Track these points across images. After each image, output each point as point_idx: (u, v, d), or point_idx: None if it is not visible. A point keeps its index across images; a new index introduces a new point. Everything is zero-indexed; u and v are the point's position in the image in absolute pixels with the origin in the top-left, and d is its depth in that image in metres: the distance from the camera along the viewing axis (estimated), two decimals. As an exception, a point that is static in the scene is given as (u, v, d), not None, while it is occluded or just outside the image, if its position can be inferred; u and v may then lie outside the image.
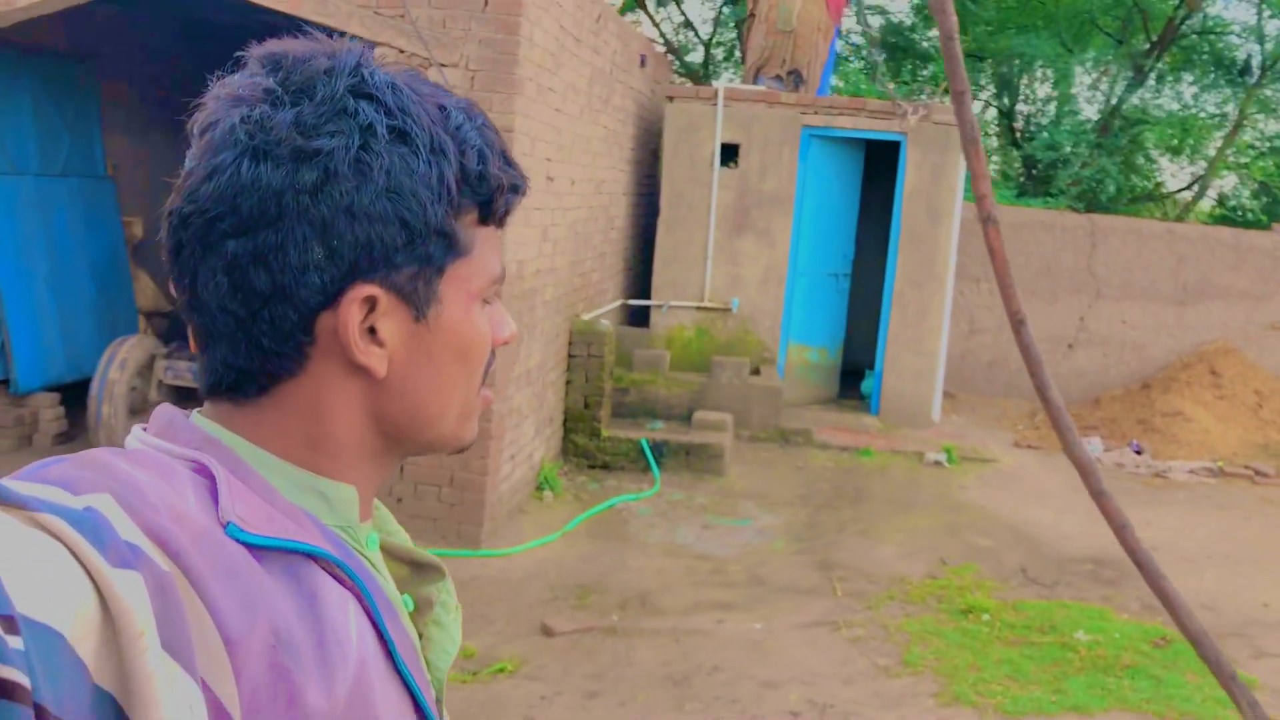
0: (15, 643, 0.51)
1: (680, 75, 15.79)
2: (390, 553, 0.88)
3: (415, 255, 0.77)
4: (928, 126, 9.29)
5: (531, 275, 6.52)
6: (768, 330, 9.62)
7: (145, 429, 0.78)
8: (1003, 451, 9.51)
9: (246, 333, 0.75)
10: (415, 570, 0.90)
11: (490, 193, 0.80)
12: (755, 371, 9.42)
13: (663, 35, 16.58)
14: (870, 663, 5.16)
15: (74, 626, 0.56)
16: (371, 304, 0.76)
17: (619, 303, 9.51)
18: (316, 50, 0.78)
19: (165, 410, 0.79)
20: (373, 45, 0.77)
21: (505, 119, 5.78)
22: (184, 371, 7.22)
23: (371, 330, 0.77)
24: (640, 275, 9.87)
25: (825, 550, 6.71)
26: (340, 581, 0.75)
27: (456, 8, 5.71)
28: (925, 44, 16.79)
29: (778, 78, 9.87)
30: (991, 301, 11.93)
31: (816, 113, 9.35)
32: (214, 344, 0.77)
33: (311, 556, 0.73)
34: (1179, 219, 16.18)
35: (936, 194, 9.37)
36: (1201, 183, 18.00)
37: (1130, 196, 16.39)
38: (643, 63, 9.51)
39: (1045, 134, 15.58)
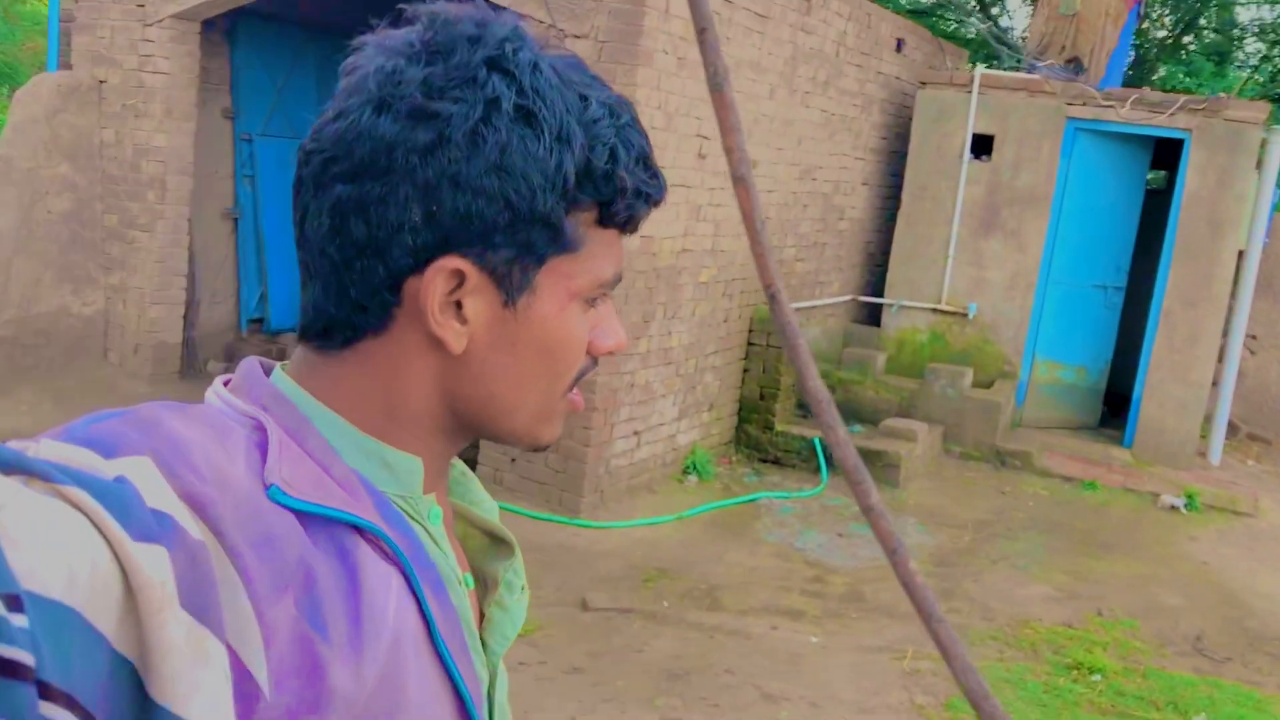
0: (19, 620, 0.52)
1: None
2: (468, 519, 0.90)
3: (515, 239, 0.75)
4: (1216, 124, 8.03)
5: (673, 254, 6.41)
6: (1010, 341, 8.77)
7: (226, 381, 0.79)
8: (1282, 508, 8.05)
9: (339, 278, 0.76)
10: (493, 543, 0.91)
11: (614, 194, 0.77)
12: (987, 385, 8.64)
13: (991, 23, 15.46)
14: (908, 698, 4.63)
15: (90, 599, 0.56)
16: (460, 278, 0.75)
17: (847, 298, 9.08)
18: (470, 16, 0.77)
19: (246, 363, 0.80)
20: (520, 20, 0.78)
21: (628, 90, 5.73)
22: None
23: (459, 306, 0.76)
24: (882, 271, 9.34)
25: (961, 579, 6.06)
26: (385, 555, 0.74)
27: (591, -22, 5.74)
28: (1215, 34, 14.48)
29: (1054, 65, 8.94)
30: (1332, 336, 10.10)
31: (1084, 103, 8.37)
32: (311, 283, 0.78)
33: (356, 528, 0.73)
34: None
35: (1220, 201, 8.08)
36: None
37: None
38: (899, 47, 8.98)
39: None
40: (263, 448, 0.71)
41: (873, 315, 9.39)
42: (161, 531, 0.60)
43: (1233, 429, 9.98)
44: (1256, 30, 15.06)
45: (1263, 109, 8.13)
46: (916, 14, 14.31)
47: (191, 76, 7.45)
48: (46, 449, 0.61)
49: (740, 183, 2.41)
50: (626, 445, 6.40)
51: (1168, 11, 15.46)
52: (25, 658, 0.51)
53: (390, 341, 0.77)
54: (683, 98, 6.15)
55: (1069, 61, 8.91)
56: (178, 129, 7.41)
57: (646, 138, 0.81)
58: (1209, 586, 6.42)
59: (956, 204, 8.74)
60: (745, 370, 7.65)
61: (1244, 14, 15.80)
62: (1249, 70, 14.76)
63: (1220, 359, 8.71)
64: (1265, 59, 15.36)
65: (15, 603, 0.52)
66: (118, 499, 0.59)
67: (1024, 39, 10.44)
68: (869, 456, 7.41)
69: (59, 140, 7.33)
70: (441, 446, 0.82)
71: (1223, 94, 8.13)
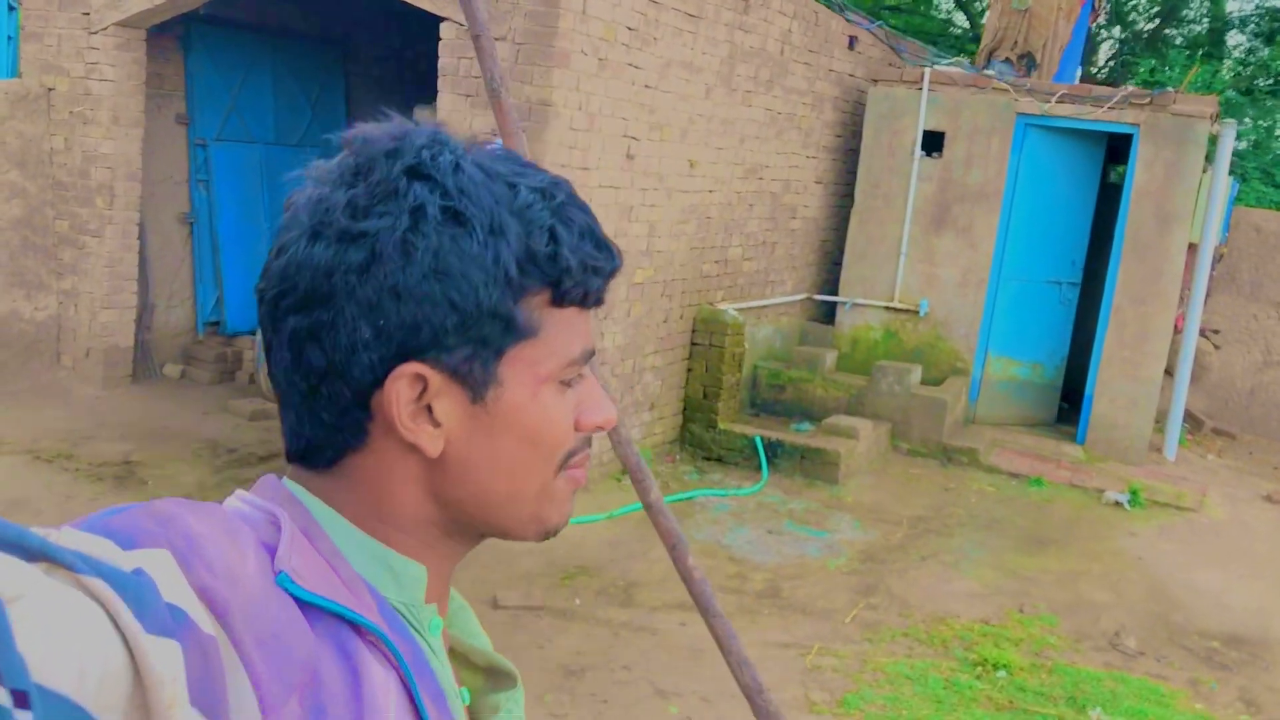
0: (24, 717, 0.52)
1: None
2: (467, 656, 0.90)
3: (468, 337, 0.76)
4: (1164, 118, 8.01)
5: (601, 253, 6.45)
6: (962, 338, 8.78)
7: (243, 491, 0.81)
8: (1233, 503, 8.03)
9: (309, 405, 0.78)
10: (489, 677, 0.91)
11: (560, 274, 0.78)
12: (939, 382, 8.65)
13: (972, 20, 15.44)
14: (804, 694, 4.66)
15: (98, 696, 0.56)
16: (423, 383, 0.76)
17: (801, 296, 9.10)
18: (390, 131, 0.79)
19: (266, 477, 0.82)
20: (440, 126, 0.81)
21: (542, 92, 5.79)
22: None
23: (430, 411, 0.77)
24: (839, 270, 9.35)
25: (885, 575, 6.08)
26: (386, 659, 0.74)
27: (507, -19, 5.79)
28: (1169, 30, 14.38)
29: (1008, 61, 8.94)
30: (1295, 331, 10.06)
31: (1033, 99, 8.37)
32: (286, 411, 0.80)
33: (358, 628, 0.73)
34: None
35: (1169, 197, 8.07)
36: None
37: None
38: (851, 44, 9.00)
39: None
40: (271, 548, 0.72)
41: (829, 313, 9.41)
42: (176, 626, 0.60)
43: (1197, 423, 9.96)
44: (1238, 22, 14.97)
45: (1210, 103, 8.11)
46: (891, 9, 14.31)
47: (138, 83, 7.54)
48: (68, 537, 0.61)
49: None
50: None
51: (1150, 3, 15.41)
52: None
53: (371, 455, 0.79)
54: (605, 98, 6.19)
55: (1021, 57, 8.91)
56: (125, 135, 7.50)
57: (588, 212, 0.81)
58: (1139, 582, 6.42)
59: (909, 201, 8.75)
60: (689, 370, 7.68)
61: (1231, 4, 15.74)
62: (1233, 63, 14.68)
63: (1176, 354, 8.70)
64: (1250, 52, 15.27)
65: (22, 698, 0.52)
66: (135, 592, 0.59)
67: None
68: (809, 454, 7.45)
69: (7, 147, 7.44)
70: (447, 551, 0.83)
71: (1170, 89, 8.10)
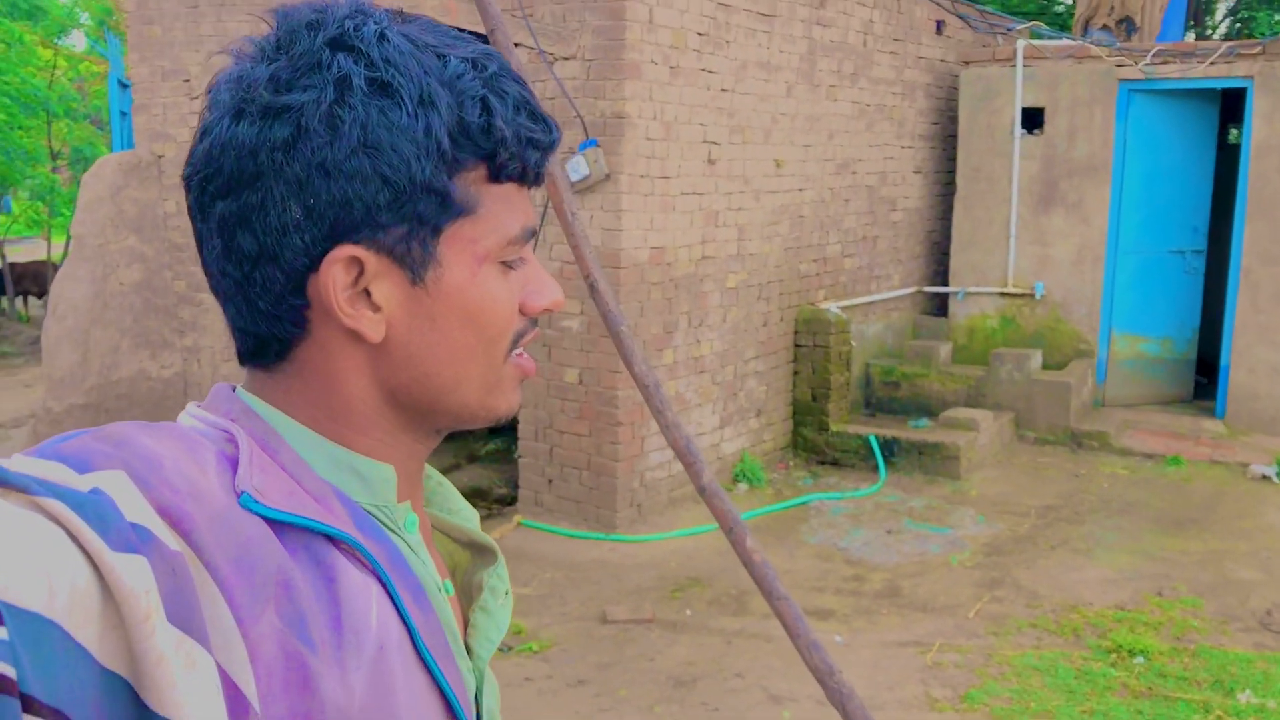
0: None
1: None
2: (446, 533, 0.89)
3: (403, 214, 0.73)
4: (1279, 67, 7.56)
5: (691, 262, 6.40)
6: (1083, 319, 8.41)
7: (198, 404, 0.79)
8: (1398, 469, 7.46)
9: (245, 295, 0.75)
10: (475, 552, 0.90)
11: (495, 146, 0.75)
12: (1063, 365, 8.30)
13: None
14: (924, 692, 4.48)
15: (70, 612, 0.55)
16: (359, 266, 0.73)
17: (910, 290, 8.86)
18: (312, 3, 0.76)
19: (217, 386, 0.80)
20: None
21: (616, 105, 5.79)
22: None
23: (368, 294, 0.74)
24: (948, 259, 9.09)
25: (1012, 567, 5.83)
26: (361, 565, 0.73)
27: (572, 0, 5.83)
28: None
29: (1106, 28, 8.58)
30: None
31: (1135, 64, 8.00)
32: (226, 306, 0.78)
33: (331, 538, 0.71)
34: None
35: (1293, 148, 7.59)
36: None
37: None
38: (939, 29, 8.77)
39: None
40: (232, 460, 0.70)
41: (942, 306, 9.15)
42: (140, 543, 0.59)
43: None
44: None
45: (1330, 45, 7.62)
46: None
47: (239, 142, 7.82)
48: (19, 463, 0.60)
49: (548, 178, 2.44)
50: (663, 458, 6.40)
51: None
52: (6, 670, 0.51)
53: (315, 344, 0.76)
54: (681, 105, 6.15)
55: (1120, 22, 8.54)
56: (231, 193, 7.79)
57: (524, 84, 0.78)
58: (1293, 557, 6.00)
59: (1013, 182, 8.46)
60: (795, 373, 7.55)
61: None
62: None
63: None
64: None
65: None
66: (95, 510, 0.58)
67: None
68: (927, 450, 7.22)
69: (125, 215, 7.81)
70: (408, 447, 0.81)
71: (1283, 35, 7.65)
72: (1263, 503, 6.82)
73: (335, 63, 0.72)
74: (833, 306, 7.59)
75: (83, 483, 0.60)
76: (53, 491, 0.57)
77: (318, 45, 0.72)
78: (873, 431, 7.41)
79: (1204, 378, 8.79)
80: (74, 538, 0.57)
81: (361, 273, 0.74)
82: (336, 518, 0.72)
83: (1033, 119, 8.41)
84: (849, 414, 7.73)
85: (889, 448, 7.31)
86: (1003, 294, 8.61)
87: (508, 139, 0.75)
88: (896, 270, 8.67)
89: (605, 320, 2.44)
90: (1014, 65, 8.35)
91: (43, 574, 0.54)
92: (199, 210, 0.75)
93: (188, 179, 0.76)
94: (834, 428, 7.47)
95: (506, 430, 8.21)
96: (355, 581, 0.71)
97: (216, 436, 0.72)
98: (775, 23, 6.84)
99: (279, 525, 0.68)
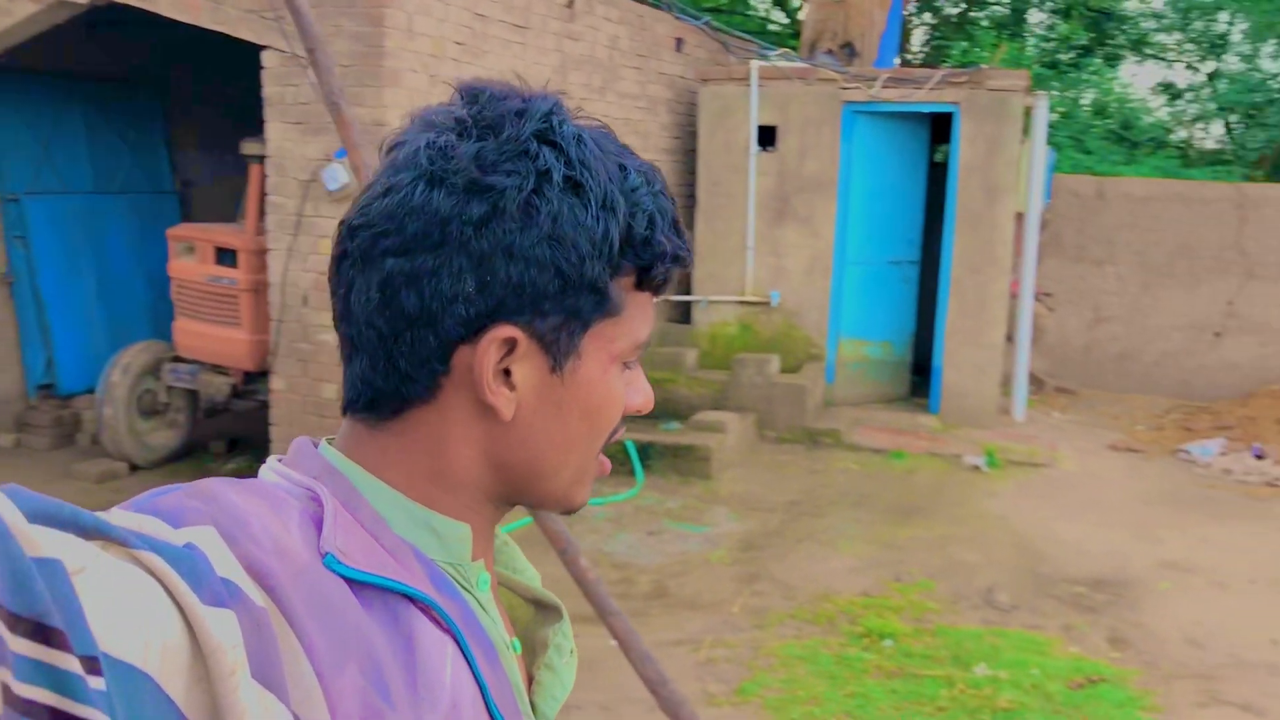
0: (96, 683, 0.52)
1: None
2: (512, 589, 0.91)
3: (564, 306, 0.77)
4: (981, 95, 8.37)
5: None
6: (814, 324, 8.98)
7: (280, 459, 0.80)
8: (1082, 455, 8.43)
9: (387, 351, 0.77)
10: (538, 610, 0.92)
11: (653, 259, 0.80)
12: (797, 369, 8.83)
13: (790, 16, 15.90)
14: (701, 688, 4.68)
15: (162, 665, 0.57)
16: (511, 346, 0.76)
17: (657, 299, 9.15)
18: (513, 91, 0.79)
19: (297, 441, 0.81)
20: (559, 95, 0.81)
21: (376, 113, 5.68)
22: (185, 374, 7.57)
23: (506, 373, 0.77)
24: (690, 269, 9.44)
25: (766, 561, 6.16)
26: (437, 624, 0.75)
27: (327, 4, 5.66)
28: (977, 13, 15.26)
29: (830, 52, 9.20)
30: (1119, 287, 10.66)
31: (859, 87, 8.63)
32: (356, 356, 0.79)
33: (409, 597, 0.73)
34: None
35: (993, 170, 8.43)
36: None
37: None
38: (678, 46, 9.12)
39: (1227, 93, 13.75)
40: (315, 519, 0.72)
41: (687, 313, 9.51)
42: (229, 597, 0.61)
43: (1040, 383, 10.42)
44: (1037, 0, 15.77)
45: (1022, 77, 8.51)
46: (713, 11, 14.58)
47: (-63, 139, 7.09)
48: (117, 517, 0.62)
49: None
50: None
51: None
52: (100, 718, 0.52)
53: (437, 411, 0.78)
54: (441, 116, 6.11)
55: (843, 46, 9.18)
56: (-72, 195, 7.04)
57: (674, 202, 0.83)
58: (1005, 539, 6.67)
59: (750, 196, 8.92)
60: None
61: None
62: (1035, 40, 15.45)
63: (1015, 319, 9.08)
64: (1050, 28, 16.10)
65: (93, 665, 0.53)
66: (188, 565, 0.60)
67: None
68: (681, 452, 7.50)
69: None
70: (489, 513, 0.83)
71: (983, 66, 8.46)
72: (976, 490, 7.53)
73: (541, 154, 0.75)
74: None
75: (177, 537, 0.62)
76: (150, 545, 0.60)
77: (525, 134, 0.76)
78: (628, 436, 7.62)
79: (919, 377, 9.58)
80: (169, 591, 0.59)
81: (511, 352, 0.77)
82: (414, 576, 0.75)
83: (767, 136, 8.89)
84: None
85: (644, 452, 7.54)
86: (742, 302, 9.06)
87: (666, 254, 0.80)
88: (643, 279, 8.93)
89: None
90: (749, 84, 8.80)
91: (140, 627, 0.57)
92: (361, 260, 0.77)
93: (356, 228, 0.77)
94: (591, 434, 7.61)
95: (251, 449, 7.85)
96: (432, 640, 0.74)
97: (300, 494, 0.75)
98: (529, 34, 6.91)
99: (359, 585, 0.71)
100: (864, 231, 8.96)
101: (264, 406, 6.90)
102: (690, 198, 9.44)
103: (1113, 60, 15.08)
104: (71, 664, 0.52)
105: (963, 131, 8.47)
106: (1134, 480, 8.02)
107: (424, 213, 0.75)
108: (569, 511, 0.87)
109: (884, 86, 8.51)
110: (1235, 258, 10.35)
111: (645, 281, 0.82)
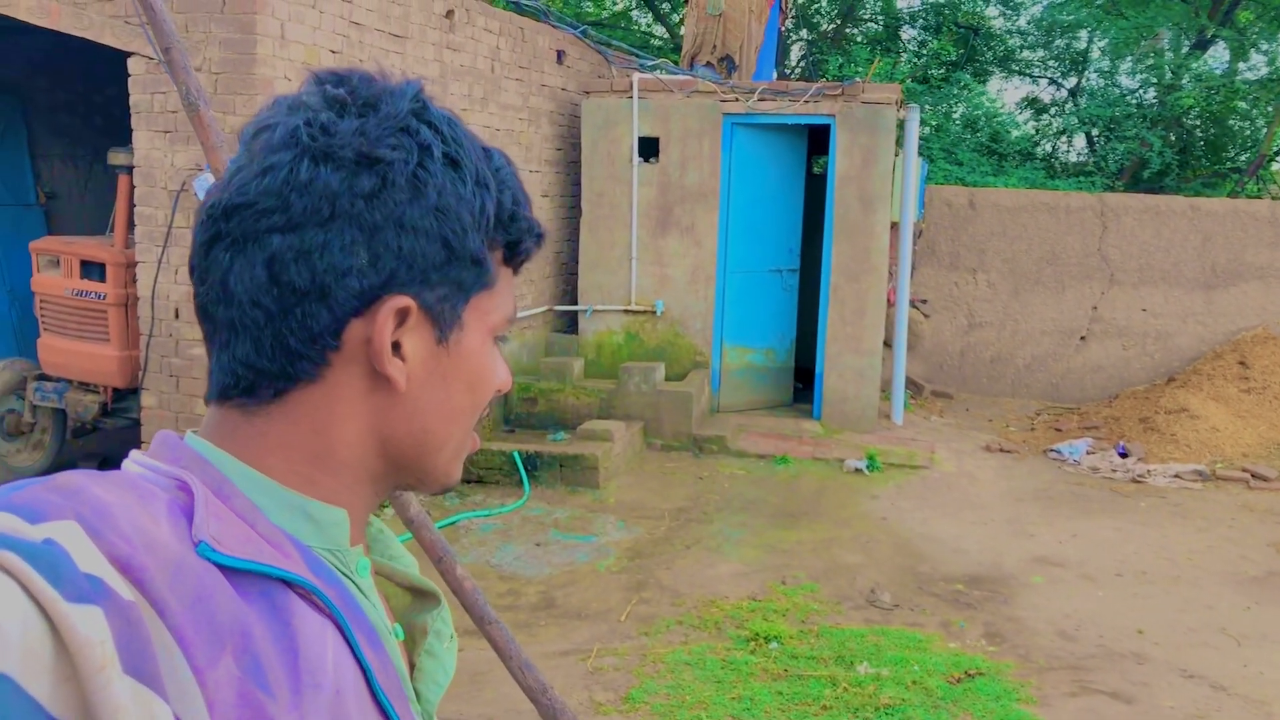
0: None
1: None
2: (389, 578, 0.89)
3: (449, 277, 0.79)
4: (856, 107, 8.58)
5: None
6: (699, 332, 9.08)
7: (142, 452, 0.78)
8: (959, 457, 8.68)
9: (274, 329, 0.76)
10: (416, 597, 0.91)
11: (520, 234, 0.83)
12: (683, 376, 8.90)
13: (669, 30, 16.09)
14: (589, 697, 4.67)
15: (22, 666, 0.55)
16: (403, 317, 0.77)
17: (542, 309, 9.15)
18: (379, 74, 0.80)
19: (160, 434, 0.80)
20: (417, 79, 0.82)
21: (247, 120, 5.55)
22: (51, 393, 7.27)
23: (396, 345, 0.78)
24: (576, 279, 9.47)
25: (654, 569, 6.19)
26: (318, 609, 0.74)
27: (197, 10, 5.52)
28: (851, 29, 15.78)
29: (709, 64, 9.32)
30: (991, 294, 11.02)
31: (737, 99, 8.76)
32: (235, 340, 0.77)
33: (287, 583, 0.72)
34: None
35: (868, 181, 8.64)
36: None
37: (1199, 176, 14.89)
38: (559, 59, 9.13)
39: (1090, 108, 14.36)
40: (184, 508, 0.71)
41: (573, 323, 9.50)
42: (95, 593, 0.59)
43: (918, 388, 10.70)
44: (909, 18, 16.23)
45: (894, 90, 8.75)
46: (595, 24, 14.65)
47: None
48: None
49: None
50: (307, 486, 6.18)
51: (830, 5, 16.47)
52: None
53: (322, 389, 0.78)
54: (317, 126, 6.00)
55: (721, 60, 9.31)
56: None
57: (521, 183, 0.86)
58: (886, 540, 6.82)
59: (633, 207, 8.97)
60: (436, 393, 7.55)
61: (901, 2, 17.05)
62: (908, 55, 15.89)
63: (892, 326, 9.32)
64: (922, 44, 16.58)
65: None
66: (47, 561, 0.58)
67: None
68: (568, 462, 7.48)
69: None
70: (368, 496, 0.83)
71: (858, 79, 8.68)
72: (858, 493, 7.70)
73: (421, 131, 0.78)
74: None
75: (36, 533, 0.60)
76: (4, 543, 0.58)
77: (403, 112, 0.78)
78: (515, 447, 7.58)
79: (802, 384, 9.74)
80: (26, 589, 0.57)
81: (402, 323, 0.78)
82: (292, 562, 0.74)
83: (649, 148, 8.96)
84: (490, 432, 7.86)
85: (531, 462, 7.51)
86: (627, 311, 9.10)
87: (529, 230, 0.84)
88: (529, 290, 8.91)
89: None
90: (631, 96, 8.86)
91: None
92: (243, 240, 0.76)
93: (232, 208, 0.76)
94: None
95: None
96: (312, 625, 0.73)
97: (166, 485, 0.73)
98: (407, 44, 6.84)
99: (234, 572, 0.70)
100: (745, 240, 9.10)
101: (135, 425, 6.67)
102: (574, 209, 9.45)
103: (981, 76, 15.61)
104: None
105: (839, 143, 8.66)
106: (1007, 480, 8.29)
107: (311, 188, 0.75)
108: (447, 489, 0.87)
109: (761, 99, 8.66)
110: (1098, 264, 10.80)
111: (512, 256, 0.84)
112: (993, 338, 11.10)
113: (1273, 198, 14.35)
